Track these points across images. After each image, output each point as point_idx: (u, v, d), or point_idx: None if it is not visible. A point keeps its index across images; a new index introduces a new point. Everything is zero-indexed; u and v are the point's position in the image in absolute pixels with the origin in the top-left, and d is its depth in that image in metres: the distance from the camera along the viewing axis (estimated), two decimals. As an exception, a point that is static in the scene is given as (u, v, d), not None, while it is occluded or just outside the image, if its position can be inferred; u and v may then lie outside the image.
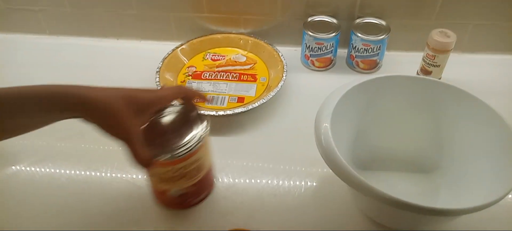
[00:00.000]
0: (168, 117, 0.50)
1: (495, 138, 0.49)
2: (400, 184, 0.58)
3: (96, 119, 0.41)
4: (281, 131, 0.68)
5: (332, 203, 0.56)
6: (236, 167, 0.62)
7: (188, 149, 0.47)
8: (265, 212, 0.55)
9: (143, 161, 0.43)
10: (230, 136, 0.67)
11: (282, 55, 0.78)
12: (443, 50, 0.70)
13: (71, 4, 0.85)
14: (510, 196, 0.55)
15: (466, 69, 0.79)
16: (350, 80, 0.55)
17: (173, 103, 0.51)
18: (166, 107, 0.51)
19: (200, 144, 0.48)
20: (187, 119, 0.50)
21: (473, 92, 0.53)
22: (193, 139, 0.48)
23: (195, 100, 0.52)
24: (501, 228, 0.53)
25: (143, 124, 0.46)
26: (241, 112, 0.67)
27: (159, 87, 0.51)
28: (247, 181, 0.60)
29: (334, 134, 0.47)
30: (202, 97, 0.53)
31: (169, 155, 0.46)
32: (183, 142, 0.47)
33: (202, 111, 0.51)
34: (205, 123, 0.50)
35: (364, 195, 0.43)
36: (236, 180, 0.60)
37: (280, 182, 0.59)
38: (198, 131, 0.49)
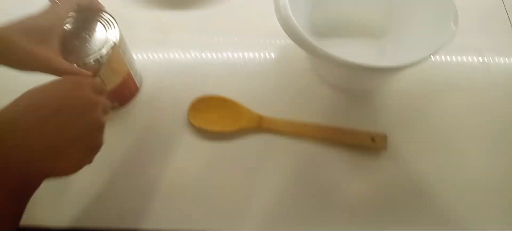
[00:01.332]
0: (75, 24, 0.48)
1: (434, 3, 0.55)
2: (352, 49, 0.64)
3: (6, 62, 0.40)
4: (243, 4, 0.71)
5: (291, 68, 0.63)
6: (203, 42, 0.65)
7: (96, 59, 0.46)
8: (231, 80, 0.61)
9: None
10: (194, 10, 0.69)
11: None
12: None
13: None
14: (441, 57, 0.64)
15: None
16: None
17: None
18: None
19: (111, 49, 0.47)
20: (92, 25, 0.48)
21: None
22: (103, 45, 0.47)
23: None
24: (428, 87, 0.62)
25: (53, 48, 0.43)
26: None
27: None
28: (213, 54, 0.64)
29: (291, 5, 0.51)
30: (96, 4, 0.50)
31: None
32: (91, 49, 0.46)
33: (106, 15, 0.50)
34: (113, 27, 0.49)
35: (319, 59, 0.49)
36: (203, 54, 0.64)
37: (244, 53, 0.64)
38: (107, 35, 0.48)
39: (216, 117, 0.57)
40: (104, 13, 0.50)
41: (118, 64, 0.51)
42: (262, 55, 0.64)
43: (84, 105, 0.37)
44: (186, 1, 0.70)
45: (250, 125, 0.56)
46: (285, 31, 0.51)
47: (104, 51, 0.46)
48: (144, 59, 0.63)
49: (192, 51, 0.64)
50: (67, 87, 0.38)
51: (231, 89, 0.59)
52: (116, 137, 0.54)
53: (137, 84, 0.59)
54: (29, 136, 0.33)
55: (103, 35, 0.48)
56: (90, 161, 0.39)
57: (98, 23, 0.49)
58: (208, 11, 0.70)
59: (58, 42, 0.44)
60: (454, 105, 0.59)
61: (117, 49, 0.49)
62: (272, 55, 0.64)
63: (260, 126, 0.56)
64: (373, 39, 0.64)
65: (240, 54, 0.64)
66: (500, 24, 0.69)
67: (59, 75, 0.41)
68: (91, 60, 0.46)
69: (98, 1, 0.50)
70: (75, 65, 0.44)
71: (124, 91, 0.57)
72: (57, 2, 0.46)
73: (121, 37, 0.50)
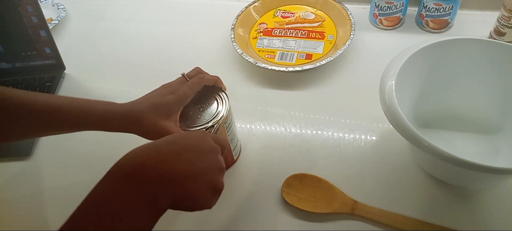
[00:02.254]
0: (195, 96, 0.55)
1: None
2: (460, 143, 0.60)
3: (137, 132, 0.49)
4: (347, 87, 0.72)
5: (391, 156, 0.61)
6: (303, 119, 0.68)
7: (203, 126, 0.51)
8: (328, 161, 0.61)
9: None
10: (298, 91, 0.73)
11: (350, 13, 0.80)
12: (520, 11, 0.68)
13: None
14: None
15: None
16: (419, 41, 0.58)
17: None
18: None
19: (218, 123, 0.52)
20: (209, 100, 0.55)
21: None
22: (212, 117, 0.52)
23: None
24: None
25: (175, 120, 0.51)
26: (309, 68, 0.72)
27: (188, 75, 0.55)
28: (313, 132, 0.66)
29: (398, 93, 0.51)
30: (219, 84, 0.57)
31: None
32: (202, 120, 0.52)
33: (222, 93, 0.55)
34: (225, 104, 0.54)
35: (422, 150, 0.47)
36: (303, 131, 0.66)
37: (344, 134, 0.64)
38: (218, 110, 0.53)
39: (310, 196, 0.57)
40: (221, 91, 0.56)
41: (223, 134, 0.56)
42: (363, 139, 0.64)
43: (209, 148, 0.43)
44: (291, 82, 0.74)
45: (343, 209, 0.55)
46: (389, 121, 0.50)
47: (211, 124, 0.52)
48: (247, 129, 0.67)
49: (292, 127, 0.66)
50: (196, 134, 0.44)
51: (327, 170, 0.59)
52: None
53: (235, 157, 0.62)
54: (163, 161, 0.38)
55: (214, 110, 0.54)
56: (211, 205, 0.42)
57: (214, 98, 0.55)
58: (311, 92, 0.72)
59: (178, 114, 0.52)
60: None
61: (223, 124, 0.54)
62: (373, 139, 0.63)
63: (353, 211, 0.54)
64: (485, 135, 0.60)
65: (340, 134, 0.65)
66: None
67: None
68: (201, 129, 0.51)
69: (221, 81, 0.57)
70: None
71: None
72: (187, 79, 0.54)
73: (229, 114, 0.55)
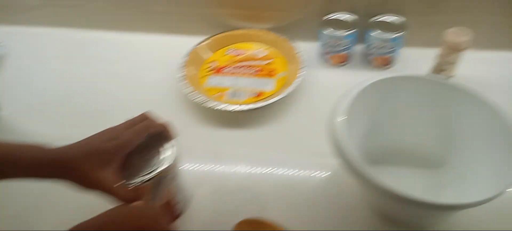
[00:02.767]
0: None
1: (497, 135, 0.52)
2: (408, 179, 0.60)
3: (72, 181, 0.45)
4: (298, 125, 0.72)
5: (343, 195, 0.60)
6: (255, 158, 0.66)
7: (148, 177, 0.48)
8: (280, 202, 0.59)
9: (128, 200, 0.45)
10: (249, 129, 0.71)
11: (300, 51, 0.81)
12: (458, 49, 0.71)
13: None
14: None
15: (479, 66, 0.79)
16: (366, 77, 0.58)
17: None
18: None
19: (162, 173, 0.49)
20: (155, 148, 0.51)
21: (482, 91, 0.54)
22: (155, 168, 0.49)
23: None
24: (502, 223, 0.56)
25: (114, 170, 0.46)
26: (259, 107, 0.71)
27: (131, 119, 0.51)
28: (265, 171, 0.64)
29: (346, 130, 0.51)
30: (168, 132, 0.52)
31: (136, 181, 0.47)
32: (144, 170, 0.48)
33: (170, 141, 0.52)
34: (171, 153, 0.51)
35: (369, 189, 0.47)
36: (254, 170, 0.64)
37: (295, 172, 0.63)
38: (163, 160, 0.50)
39: (261, 242, 0.54)
40: (169, 139, 0.52)
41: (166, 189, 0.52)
42: (315, 176, 0.63)
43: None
44: (242, 121, 0.73)
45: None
46: (338, 158, 0.50)
47: (153, 174, 0.48)
48: (197, 173, 0.64)
49: (243, 168, 0.65)
50: (145, 214, 0.42)
51: (279, 212, 0.57)
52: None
53: (182, 208, 0.59)
54: None
55: (159, 160, 0.50)
56: None
57: (160, 147, 0.51)
58: (263, 130, 0.71)
59: (119, 163, 0.47)
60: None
61: (167, 174, 0.50)
62: (326, 176, 0.63)
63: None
64: (432, 169, 0.61)
65: (292, 171, 0.64)
66: None
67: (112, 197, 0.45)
68: (140, 181, 0.47)
69: (170, 128, 0.53)
70: (127, 188, 0.46)
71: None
72: (133, 125, 0.49)
73: (175, 163, 0.51)
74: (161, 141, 0.52)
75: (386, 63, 0.81)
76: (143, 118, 0.51)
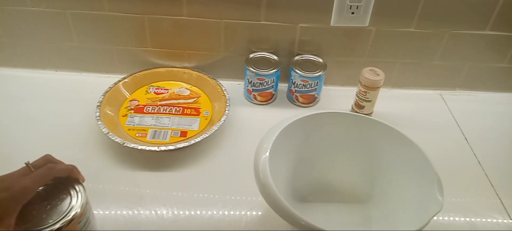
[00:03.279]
0: (41, 191, 0.45)
1: (416, 168, 0.54)
2: (336, 215, 0.60)
3: None
4: (225, 163, 0.69)
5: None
6: (180, 201, 0.62)
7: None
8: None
9: None
10: (173, 171, 0.67)
11: (225, 89, 0.80)
12: (373, 87, 0.75)
13: (6, 34, 0.82)
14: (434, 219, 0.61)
15: (394, 102, 0.85)
16: (290, 115, 0.58)
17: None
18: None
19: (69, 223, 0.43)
20: (60, 195, 0.45)
21: (399, 125, 0.57)
22: (62, 217, 0.43)
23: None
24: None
25: (6, 227, 0.40)
26: (184, 147, 0.67)
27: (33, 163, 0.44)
28: (191, 213, 0.60)
29: (272, 167, 0.49)
30: (75, 175, 0.48)
31: None
32: (47, 220, 0.43)
33: (78, 186, 0.47)
34: (80, 199, 0.45)
35: (296, 227, 0.45)
36: (181, 212, 0.60)
37: (225, 212, 0.60)
38: (71, 207, 0.44)
39: None
40: (77, 183, 0.47)
41: None
42: (247, 214, 0.60)
43: None
44: (165, 162, 0.68)
45: None
46: (264, 198, 0.48)
47: (58, 225, 0.42)
48: (114, 219, 0.58)
49: (167, 211, 0.60)
50: None
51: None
52: None
53: None
54: None
55: (66, 207, 0.44)
56: None
57: (67, 193, 0.45)
58: (188, 171, 0.67)
59: (13, 216, 0.40)
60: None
61: (76, 224, 0.44)
62: (258, 214, 0.60)
63: None
64: (359, 204, 0.62)
65: (222, 212, 0.60)
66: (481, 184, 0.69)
67: None
68: None
69: (77, 171, 0.48)
70: None
71: None
72: (31, 170, 0.43)
73: (85, 210, 0.46)
74: (68, 186, 0.46)
75: (309, 101, 0.83)
76: (46, 161, 0.45)
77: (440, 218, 0.62)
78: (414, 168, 0.55)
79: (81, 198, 0.45)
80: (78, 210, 0.44)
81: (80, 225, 0.46)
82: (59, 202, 0.44)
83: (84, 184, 0.48)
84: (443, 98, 0.89)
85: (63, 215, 0.43)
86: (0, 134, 0.71)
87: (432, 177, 0.51)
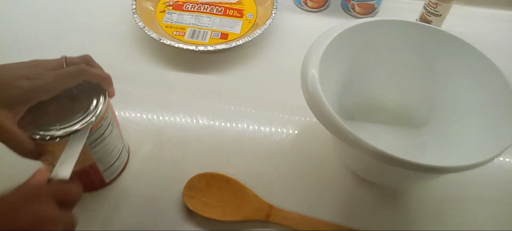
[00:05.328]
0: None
1: (492, 96, 0.46)
2: (386, 137, 0.54)
3: None
4: (266, 73, 0.63)
5: (313, 153, 0.53)
6: (213, 108, 0.57)
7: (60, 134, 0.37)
8: (241, 158, 0.52)
9: (25, 153, 0.36)
10: (209, 74, 0.62)
11: (273, -9, 0.72)
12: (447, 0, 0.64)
13: None
14: (501, 158, 0.54)
15: (467, 21, 0.74)
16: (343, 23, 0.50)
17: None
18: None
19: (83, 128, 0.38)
20: (80, 102, 0.40)
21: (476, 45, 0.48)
22: (69, 125, 0.38)
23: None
24: (486, 191, 0.51)
25: (15, 116, 0.36)
26: (224, 49, 0.62)
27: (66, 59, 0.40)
28: (224, 124, 0.56)
29: (321, 80, 0.43)
30: (106, 85, 0.42)
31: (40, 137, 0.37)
32: (53, 125, 0.38)
33: (103, 97, 0.41)
34: (98, 111, 0.40)
35: (349, 145, 0.40)
36: (212, 122, 0.56)
37: (260, 127, 0.56)
38: (84, 119, 0.39)
39: (217, 200, 0.47)
40: (103, 94, 0.41)
41: (83, 154, 0.39)
42: (281, 132, 0.55)
43: (40, 224, 0.29)
44: (202, 65, 0.63)
45: (256, 215, 0.46)
46: (310, 108, 0.42)
47: (60, 133, 0.37)
48: (144, 119, 0.55)
49: (199, 118, 0.56)
50: (21, 199, 0.29)
51: (240, 169, 0.50)
52: (92, 221, 0.45)
53: (105, 178, 0.47)
54: None
55: (80, 117, 0.39)
56: None
57: (89, 101, 0.40)
58: (224, 77, 0.62)
59: (27, 107, 0.37)
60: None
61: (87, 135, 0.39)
62: (291, 134, 0.55)
63: (268, 218, 0.46)
64: (411, 128, 0.55)
65: (256, 127, 0.56)
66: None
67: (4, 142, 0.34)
68: (49, 135, 0.37)
69: (110, 82, 0.42)
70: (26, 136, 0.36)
71: (83, 182, 0.39)
72: (63, 66, 0.39)
73: (101, 123, 0.41)
74: (93, 95, 0.41)
75: (367, 11, 0.73)
76: (82, 60, 0.41)
77: None
78: (486, 94, 0.47)
79: (102, 108, 0.40)
80: (95, 119, 0.39)
81: (97, 136, 0.41)
82: (75, 110, 0.39)
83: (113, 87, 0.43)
84: (525, 21, 0.76)
85: (78, 121, 0.38)
86: (34, 26, 0.68)
87: (509, 103, 0.43)
